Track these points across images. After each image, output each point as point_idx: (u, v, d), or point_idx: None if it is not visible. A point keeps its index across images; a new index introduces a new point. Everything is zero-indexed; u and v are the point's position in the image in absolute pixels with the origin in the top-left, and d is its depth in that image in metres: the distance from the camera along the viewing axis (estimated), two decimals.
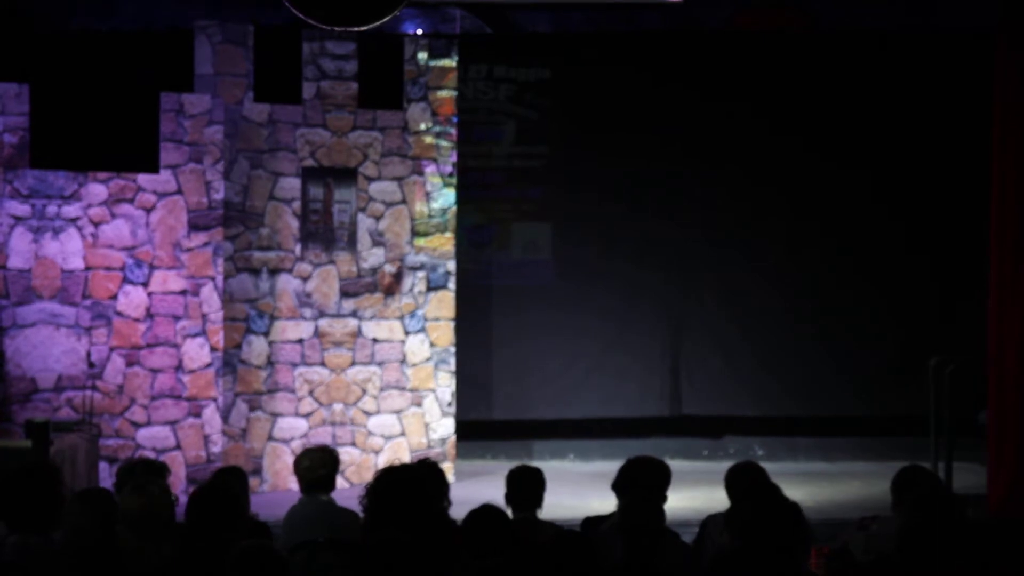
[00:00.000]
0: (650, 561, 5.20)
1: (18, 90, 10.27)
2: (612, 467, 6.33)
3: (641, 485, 6.20)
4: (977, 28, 10.84)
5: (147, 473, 6.42)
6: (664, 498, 6.24)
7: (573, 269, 12.61)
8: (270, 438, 11.19)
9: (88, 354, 10.32)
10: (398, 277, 11.60)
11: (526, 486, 6.34)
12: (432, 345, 11.68)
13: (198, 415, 10.67)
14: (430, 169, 11.70)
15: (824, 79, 12.41)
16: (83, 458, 9.27)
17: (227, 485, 5.47)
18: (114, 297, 10.48)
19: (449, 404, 11.71)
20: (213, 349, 10.72)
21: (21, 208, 10.28)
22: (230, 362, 10.94)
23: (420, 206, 11.65)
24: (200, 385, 10.68)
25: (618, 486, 6.46)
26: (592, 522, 6.35)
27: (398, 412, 11.61)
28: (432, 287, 11.68)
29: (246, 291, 11.10)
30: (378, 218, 11.56)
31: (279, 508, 7.02)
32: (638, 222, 12.52)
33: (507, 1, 11.14)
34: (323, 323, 11.37)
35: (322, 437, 11.12)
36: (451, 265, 11.73)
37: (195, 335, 10.66)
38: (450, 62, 11.72)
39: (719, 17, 11.26)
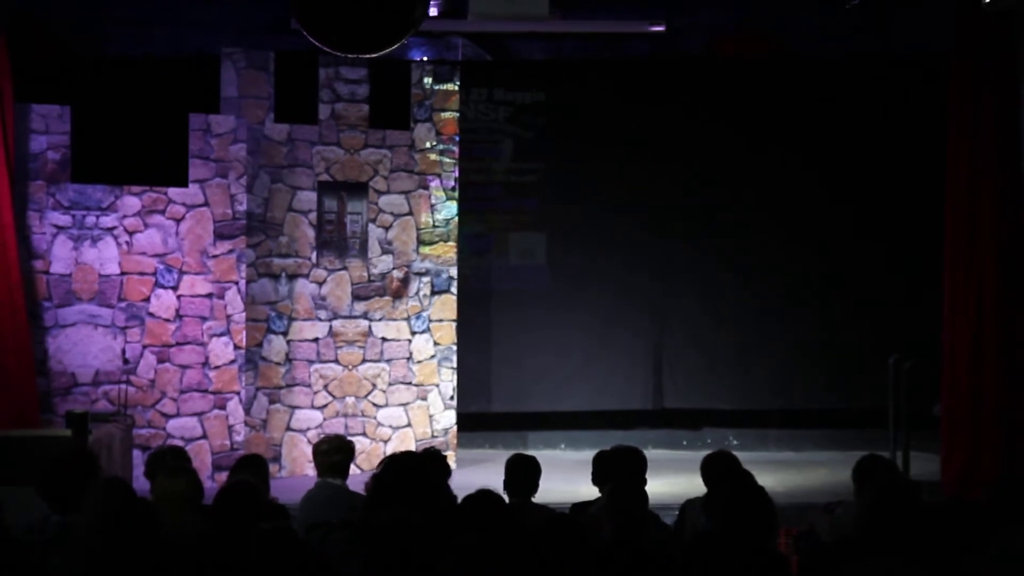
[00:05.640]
0: (637, 539, 5.23)
1: (60, 111, 10.30)
2: None
3: (624, 472, 6.24)
4: (933, 51, 10.90)
5: (177, 459, 6.46)
6: (644, 480, 6.28)
7: (566, 274, 12.58)
8: (288, 428, 11.20)
9: (123, 351, 10.33)
10: (405, 282, 11.61)
11: (522, 473, 6.37)
12: (436, 344, 11.69)
13: (223, 407, 10.69)
14: (434, 183, 11.71)
15: (794, 98, 12.40)
16: (118, 446, 9.30)
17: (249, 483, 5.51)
18: (147, 300, 10.50)
19: (451, 397, 11.71)
20: (236, 347, 10.73)
21: (63, 219, 10.30)
22: (252, 359, 10.95)
23: (425, 217, 11.67)
24: (224, 380, 10.69)
25: (597, 477, 6.50)
26: (580, 507, 6.37)
27: (405, 405, 11.62)
28: (436, 291, 11.69)
29: (267, 294, 11.11)
30: (387, 228, 11.57)
31: (296, 492, 7.02)
32: (626, 231, 12.48)
33: (505, 31, 11.15)
34: (337, 324, 11.39)
35: (335, 428, 11.14)
36: (453, 271, 11.73)
37: (220, 334, 10.68)
38: (453, 86, 11.74)
39: (699, 44, 11.28)
